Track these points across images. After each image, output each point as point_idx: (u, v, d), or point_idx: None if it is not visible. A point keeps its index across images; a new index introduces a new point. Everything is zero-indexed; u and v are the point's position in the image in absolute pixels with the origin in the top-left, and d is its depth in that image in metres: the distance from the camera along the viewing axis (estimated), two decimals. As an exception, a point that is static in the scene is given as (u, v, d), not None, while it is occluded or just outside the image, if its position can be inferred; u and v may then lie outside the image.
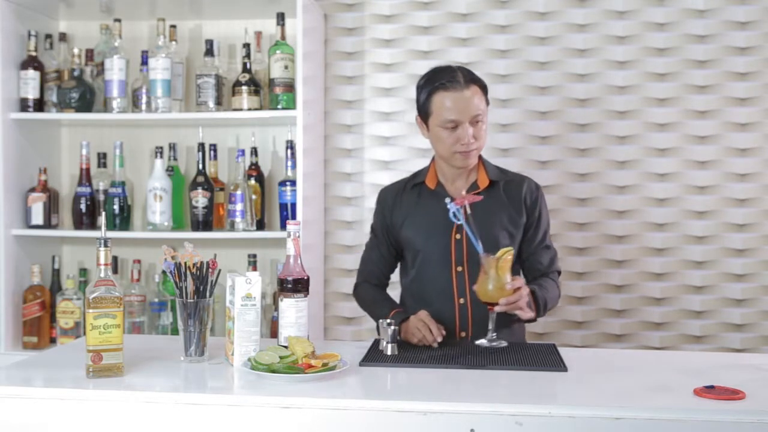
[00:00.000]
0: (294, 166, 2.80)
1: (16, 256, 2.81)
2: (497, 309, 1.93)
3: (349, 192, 3.04)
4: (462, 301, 2.13)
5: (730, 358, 1.62)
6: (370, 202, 3.02)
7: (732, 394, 1.49)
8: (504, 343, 1.95)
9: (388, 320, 1.91)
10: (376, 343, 1.95)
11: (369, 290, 2.28)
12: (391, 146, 3.02)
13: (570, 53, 2.94)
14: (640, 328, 2.93)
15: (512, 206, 2.17)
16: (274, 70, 2.76)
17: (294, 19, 2.71)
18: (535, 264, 2.21)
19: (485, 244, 2.11)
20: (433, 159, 2.25)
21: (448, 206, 1.97)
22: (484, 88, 2.13)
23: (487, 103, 2.14)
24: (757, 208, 2.89)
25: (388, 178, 3.01)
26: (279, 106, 2.75)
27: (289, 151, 2.85)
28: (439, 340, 1.95)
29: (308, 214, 2.77)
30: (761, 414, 1.40)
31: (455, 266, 2.14)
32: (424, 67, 2.97)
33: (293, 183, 2.78)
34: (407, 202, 2.23)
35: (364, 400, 1.50)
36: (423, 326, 1.96)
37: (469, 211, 1.98)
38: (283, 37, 2.78)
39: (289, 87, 2.76)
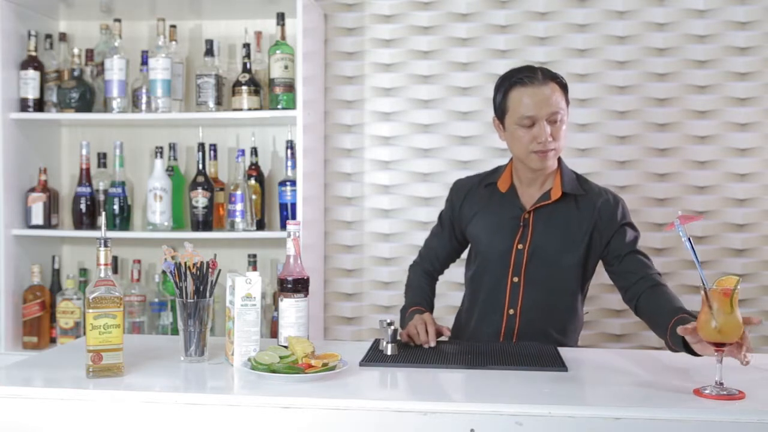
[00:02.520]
0: (294, 166, 2.80)
1: (16, 256, 2.81)
2: (728, 353, 1.56)
3: (349, 192, 3.04)
4: (512, 312, 2.09)
5: (730, 358, 1.62)
6: (370, 202, 3.02)
7: (732, 394, 1.49)
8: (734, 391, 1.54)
9: (388, 320, 1.91)
10: (376, 343, 1.95)
11: (415, 276, 2.27)
12: (391, 146, 3.02)
13: (570, 53, 2.94)
14: (640, 328, 2.92)
15: (583, 224, 2.07)
16: (274, 70, 2.76)
17: (294, 19, 2.72)
18: (637, 269, 2.03)
19: (543, 260, 2.06)
20: (511, 160, 2.17)
21: (677, 227, 1.62)
22: (564, 87, 2.04)
23: (568, 103, 2.04)
24: (757, 208, 2.89)
25: (388, 178, 3.01)
26: (279, 106, 2.75)
27: (289, 151, 2.85)
28: (432, 344, 1.93)
29: (308, 214, 2.77)
30: (761, 414, 1.40)
31: (512, 275, 2.08)
32: (424, 67, 3.00)
33: (293, 183, 2.78)
34: (478, 199, 2.17)
35: (364, 400, 1.50)
36: (421, 326, 1.96)
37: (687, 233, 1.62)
38: (283, 37, 2.78)
39: (289, 87, 2.76)
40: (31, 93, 2.84)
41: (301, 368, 1.63)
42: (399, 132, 3.01)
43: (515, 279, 2.08)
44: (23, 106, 2.84)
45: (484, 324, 2.13)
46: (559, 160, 2.11)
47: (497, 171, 2.19)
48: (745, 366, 1.60)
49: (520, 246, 2.07)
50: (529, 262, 2.07)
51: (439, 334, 1.98)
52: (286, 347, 1.75)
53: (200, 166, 2.84)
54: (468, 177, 2.27)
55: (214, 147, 2.92)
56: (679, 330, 1.63)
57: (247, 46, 2.83)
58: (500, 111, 2.07)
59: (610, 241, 2.08)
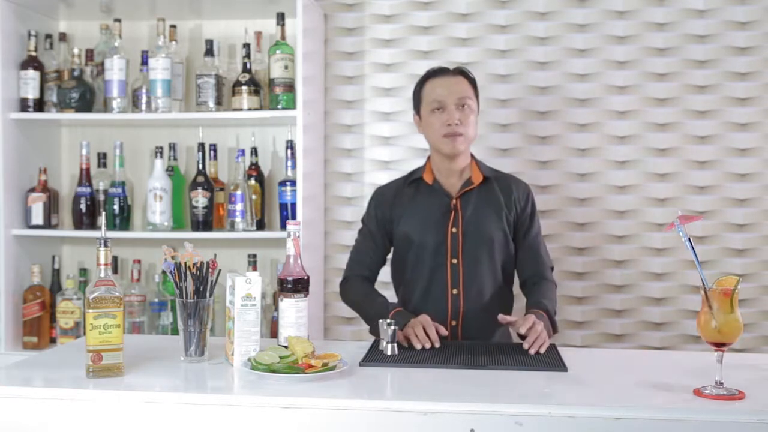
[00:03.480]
0: (294, 166, 2.80)
1: (16, 256, 2.81)
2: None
3: (349, 192, 3.04)
4: (455, 291, 2.19)
5: (730, 358, 1.62)
6: (370, 202, 3.02)
7: (732, 394, 1.49)
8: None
9: (388, 320, 1.91)
10: (376, 343, 1.95)
11: (359, 286, 2.30)
12: (391, 146, 3.02)
13: (570, 53, 2.94)
14: (640, 328, 2.93)
15: (504, 204, 2.24)
16: (274, 70, 2.76)
17: (294, 19, 2.71)
18: (534, 264, 2.27)
19: (477, 239, 2.20)
20: (429, 158, 2.32)
21: (677, 227, 1.63)
22: (473, 82, 2.25)
23: (477, 96, 2.24)
24: (757, 208, 2.89)
25: (388, 178, 2.99)
26: (279, 106, 2.75)
27: (289, 151, 2.85)
28: (437, 345, 1.94)
29: (308, 214, 2.77)
30: (761, 414, 1.41)
31: (450, 258, 2.20)
32: (424, 67, 2.97)
33: (293, 183, 2.78)
34: (405, 198, 2.29)
35: (364, 400, 1.51)
36: (419, 328, 1.96)
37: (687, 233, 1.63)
38: (283, 37, 2.78)
39: (289, 87, 2.76)
40: (31, 93, 2.84)
41: (301, 368, 1.63)
42: (399, 132, 3.01)
43: (454, 261, 2.20)
44: (23, 106, 2.84)
45: (427, 307, 2.17)
46: (472, 155, 2.29)
47: (417, 170, 2.34)
48: (532, 352, 1.85)
49: (454, 230, 2.21)
50: (464, 243, 2.20)
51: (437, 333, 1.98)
52: (286, 347, 1.75)
53: (200, 166, 2.84)
54: (388, 183, 2.39)
55: (214, 147, 2.92)
56: (500, 318, 2.02)
57: (247, 46, 2.83)
58: (417, 104, 2.27)
59: (523, 227, 2.27)
